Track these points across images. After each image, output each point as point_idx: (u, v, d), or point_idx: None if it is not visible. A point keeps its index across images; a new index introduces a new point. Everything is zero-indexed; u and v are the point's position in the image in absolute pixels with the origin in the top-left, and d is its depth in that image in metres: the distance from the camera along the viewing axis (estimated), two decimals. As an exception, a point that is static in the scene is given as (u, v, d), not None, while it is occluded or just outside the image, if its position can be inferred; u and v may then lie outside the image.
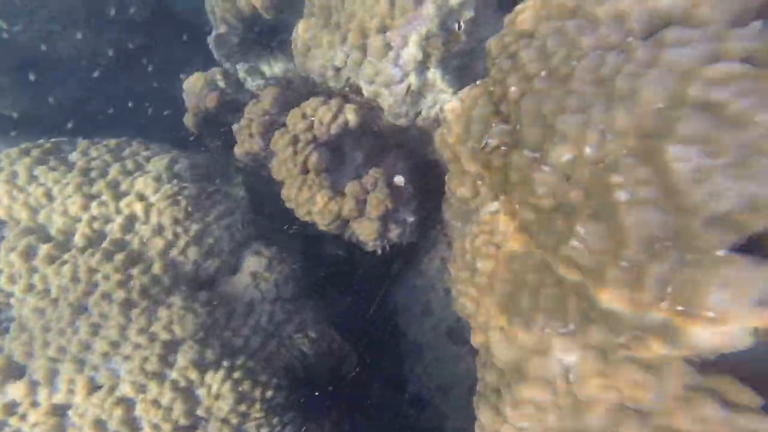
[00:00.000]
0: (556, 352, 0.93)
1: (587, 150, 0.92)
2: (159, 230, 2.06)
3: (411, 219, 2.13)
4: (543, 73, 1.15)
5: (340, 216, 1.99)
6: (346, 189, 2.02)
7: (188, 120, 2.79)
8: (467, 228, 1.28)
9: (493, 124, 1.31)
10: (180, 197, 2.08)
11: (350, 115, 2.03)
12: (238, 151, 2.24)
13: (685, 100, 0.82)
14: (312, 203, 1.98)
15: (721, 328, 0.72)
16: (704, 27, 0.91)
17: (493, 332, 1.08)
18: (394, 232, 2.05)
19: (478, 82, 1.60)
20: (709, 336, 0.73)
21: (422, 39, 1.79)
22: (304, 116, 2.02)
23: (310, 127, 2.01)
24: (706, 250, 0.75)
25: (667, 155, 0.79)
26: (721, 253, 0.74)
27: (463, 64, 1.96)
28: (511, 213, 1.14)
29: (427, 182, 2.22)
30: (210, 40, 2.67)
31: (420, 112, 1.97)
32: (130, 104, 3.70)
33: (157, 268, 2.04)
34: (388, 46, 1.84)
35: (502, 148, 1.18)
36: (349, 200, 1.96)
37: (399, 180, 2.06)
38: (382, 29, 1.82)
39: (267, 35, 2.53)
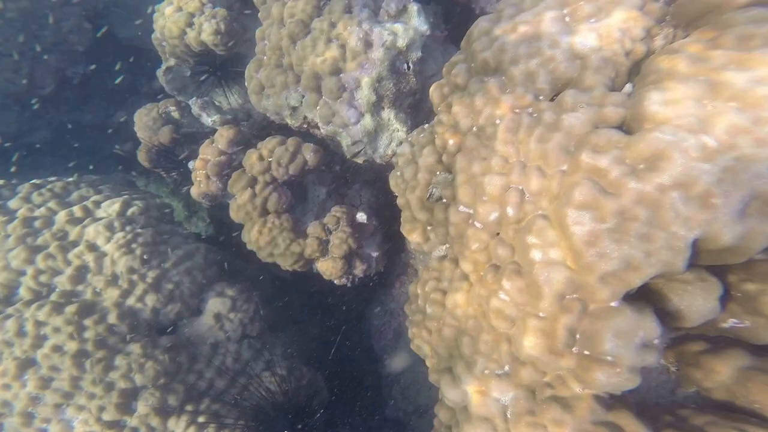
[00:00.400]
0: (494, 392, 1.07)
1: (509, 210, 1.07)
2: (114, 280, 2.04)
3: (376, 254, 2.24)
4: (474, 129, 1.31)
5: (303, 257, 2.06)
6: (308, 230, 2.10)
7: (141, 155, 2.76)
8: (419, 272, 1.40)
9: (438, 173, 1.46)
10: (135, 245, 2.07)
11: (309, 155, 2.11)
12: (195, 192, 2.26)
13: (580, 166, 0.98)
14: (273, 246, 2.04)
15: (616, 370, 0.88)
16: (589, 91, 1.09)
17: (442, 373, 1.20)
18: (359, 268, 2.15)
19: (426, 126, 1.75)
20: (608, 376, 0.88)
21: (374, 82, 1.92)
22: (261, 158, 2.08)
23: (268, 169, 2.08)
24: (602, 302, 0.91)
25: (569, 219, 0.94)
26: (613, 304, 0.90)
27: (415, 101, 2.11)
28: (454, 261, 1.27)
29: (392, 208, 2.34)
30: (159, 73, 2.67)
31: (377, 149, 2.10)
32: (74, 136, 3.58)
33: (113, 318, 2.02)
34: (342, 88, 1.95)
35: (444, 200, 1.31)
36: (311, 242, 2.04)
37: (362, 217, 2.17)
38: (336, 72, 1.93)
39: (221, 68, 2.57)
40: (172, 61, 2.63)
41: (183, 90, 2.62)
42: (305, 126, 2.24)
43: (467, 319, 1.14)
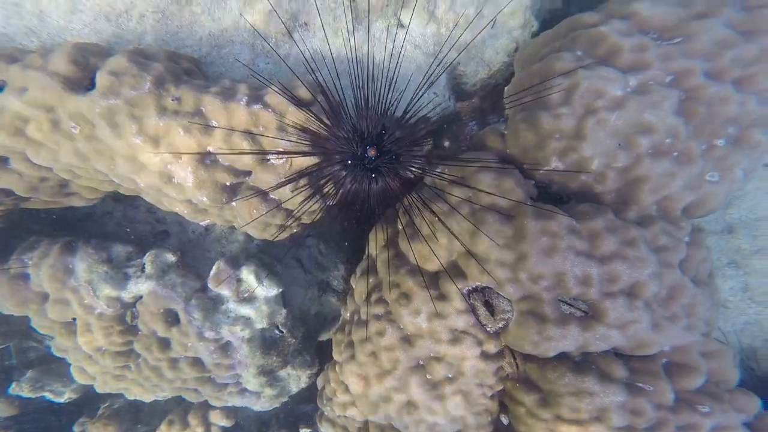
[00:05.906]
0: None
1: None
2: None
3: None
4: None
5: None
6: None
7: None
8: None
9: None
10: None
11: (222, 421, 2.10)
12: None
13: None
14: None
15: None
16: None
17: None
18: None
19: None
20: None
21: (256, 372, 1.78)
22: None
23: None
24: None
25: None
26: None
27: (305, 347, 1.96)
28: None
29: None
30: None
31: (291, 392, 2.06)
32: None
33: None
34: (223, 386, 1.84)
35: None
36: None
37: None
38: (207, 380, 1.77)
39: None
40: None
41: None
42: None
43: None
